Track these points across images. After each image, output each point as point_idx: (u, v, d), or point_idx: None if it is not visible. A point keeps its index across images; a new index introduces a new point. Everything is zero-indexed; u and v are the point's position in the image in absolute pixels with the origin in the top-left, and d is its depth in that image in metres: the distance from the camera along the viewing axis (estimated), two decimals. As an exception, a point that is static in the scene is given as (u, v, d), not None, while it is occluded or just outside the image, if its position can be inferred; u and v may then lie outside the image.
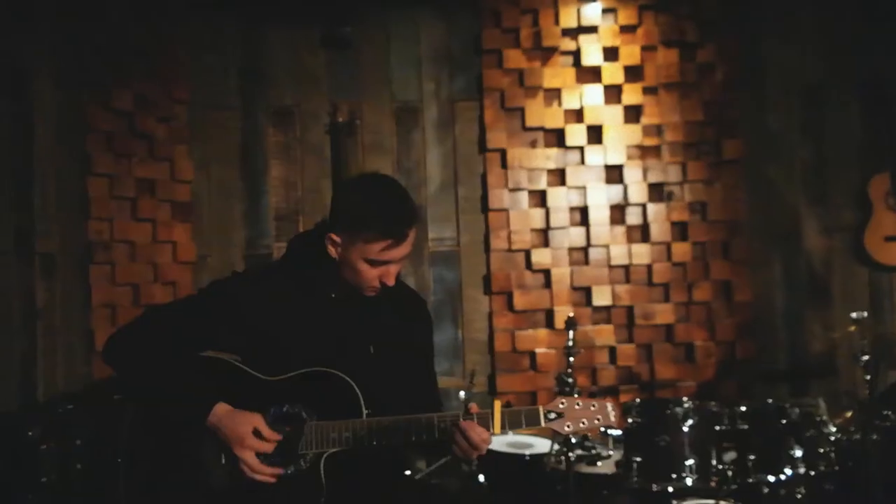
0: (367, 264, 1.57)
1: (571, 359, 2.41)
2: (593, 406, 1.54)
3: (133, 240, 3.51)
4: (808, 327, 3.87)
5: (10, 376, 2.94)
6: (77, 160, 3.34)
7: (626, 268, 3.82)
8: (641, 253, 3.81)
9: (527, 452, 2.75)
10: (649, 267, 3.81)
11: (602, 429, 1.56)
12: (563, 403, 1.54)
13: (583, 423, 1.53)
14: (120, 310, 3.41)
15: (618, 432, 2.43)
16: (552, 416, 1.53)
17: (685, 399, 2.33)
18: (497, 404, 1.52)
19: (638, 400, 2.44)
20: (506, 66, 3.84)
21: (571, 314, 2.58)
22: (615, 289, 3.80)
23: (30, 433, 2.09)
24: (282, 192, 3.87)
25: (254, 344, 1.66)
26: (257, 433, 1.55)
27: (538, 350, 3.77)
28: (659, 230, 3.82)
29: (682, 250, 3.81)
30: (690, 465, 2.22)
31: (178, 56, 3.74)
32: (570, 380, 2.30)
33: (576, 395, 1.57)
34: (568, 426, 1.53)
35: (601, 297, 3.79)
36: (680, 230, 3.84)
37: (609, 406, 1.55)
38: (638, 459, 2.27)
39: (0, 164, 2.93)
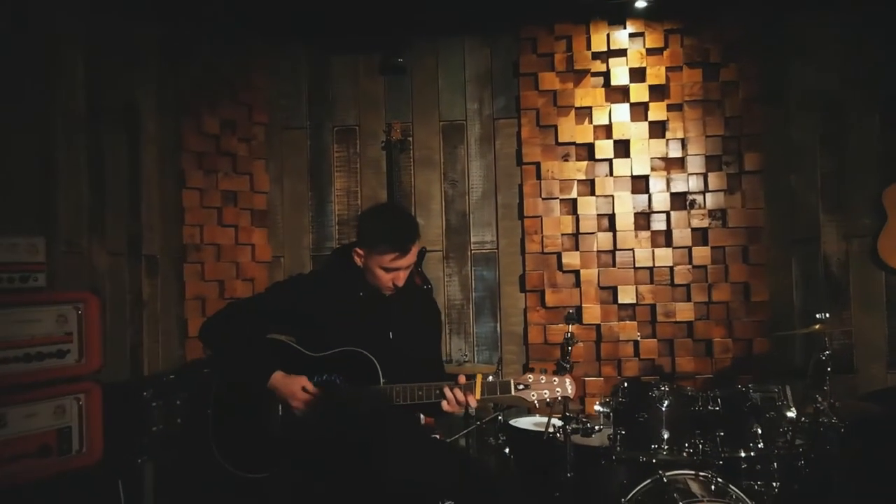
0: (382, 271, 2.10)
1: (570, 347, 2.84)
2: (554, 380, 2.01)
3: (219, 243, 4.11)
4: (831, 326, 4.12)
5: (123, 354, 3.56)
6: (174, 177, 3.96)
7: (650, 269, 4.17)
8: (664, 256, 4.16)
9: (544, 430, 3.19)
10: (671, 269, 4.15)
11: (561, 397, 2.00)
12: (530, 378, 2.01)
13: (546, 392, 1.99)
14: (208, 302, 4.03)
15: (602, 408, 2.90)
16: (521, 386, 2.00)
17: (664, 383, 2.74)
18: (479, 376, 2.00)
19: (625, 383, 2.85)
20: (541, 88, 4.26)
21: (571, 311, 2.98)
22: (639, 288, 4.17)
23: (144, 394, 2.72)
24: (344, 201, 4.43)
25: (304, 329, 2.22)
26: (305, 389, 2.09)
27: (577, 341, 4.16)
28: (681, 235, 4.16)
29: (702, 254, 4.14)
30: (665, 438, 2.64)
31: (258, 84, 4.33)
32: (567, 365, 2.73)
33: (540, 372, 2.01)
34: (533, 395, 2.00)
35: (626, 296, 4.17)
36: (701, 235, 4.16)
37: (567, 381, 2.01)
38: (622, 432, 2.71)
39: (115, 182, 3.55)
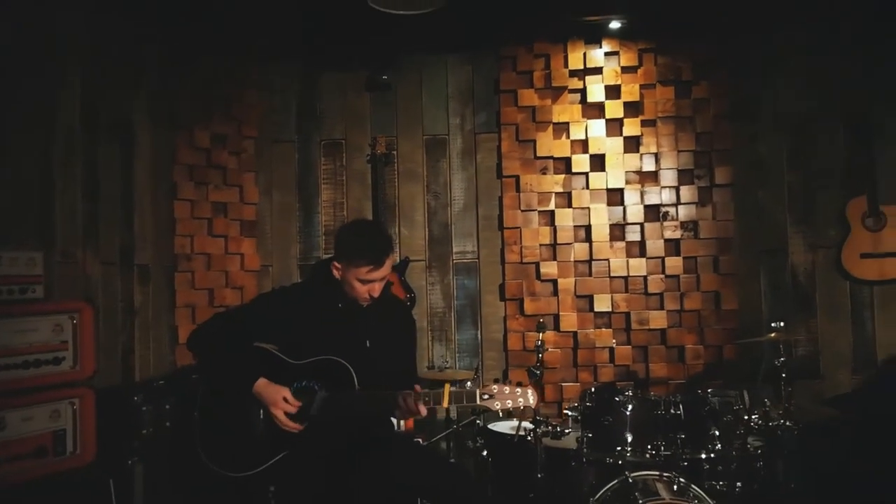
0: (359, 283, 2.25)
1: (540, 355, 2.99)
2: (518, 391, 2.16)
3: (209, 252, 4.23)
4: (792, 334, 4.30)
5: (115, 360, 3.66)
6: (166, 189, 4.10)
7: (625, 279, 4.33)
8: (638, 266, 4.32)
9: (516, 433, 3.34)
10: (645, 278, 4.32)
11: (523, 407, 2.16)
12: (495, 388, 2.17)
13: (508, 402, 2.15)
14: (198, 310, 4.15)
15: (571, 412, 3.07)
16: (486, 396, 2.15)
17: (629, 389, 2.90)
18: (447, 386, 2.16)
19: (592, 389, 3.01)
20: (520, 104, 4.43)
21: (542, 320, 3.14)
22: (614, 297, 4.33)
23: (135, 399, 2.87)
24: (330, 212, 4.57)
25: (286, 338, 2.37)
26: (285, 399, 2.25)
27: (548, 349, 4.34)
28: (654, 246, 4.32)
29: (674, 264, 4.31)
30: (629, 441, 2.80)
31: (249, 99, 4.46)
32: (538, 372, 2.89)
33: (505, 383, 2.17)
34: (497, 404, 2.15)
35: (602, 304, 4.33)
36: (674, 246, 4.33)
37: (529, 391, 2.17)
38: (589, 435, 2.87)
39: (109, 194, 3.68)
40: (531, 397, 2.14)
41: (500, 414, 2.14)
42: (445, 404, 2.15)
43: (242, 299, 4.31)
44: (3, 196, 2.90)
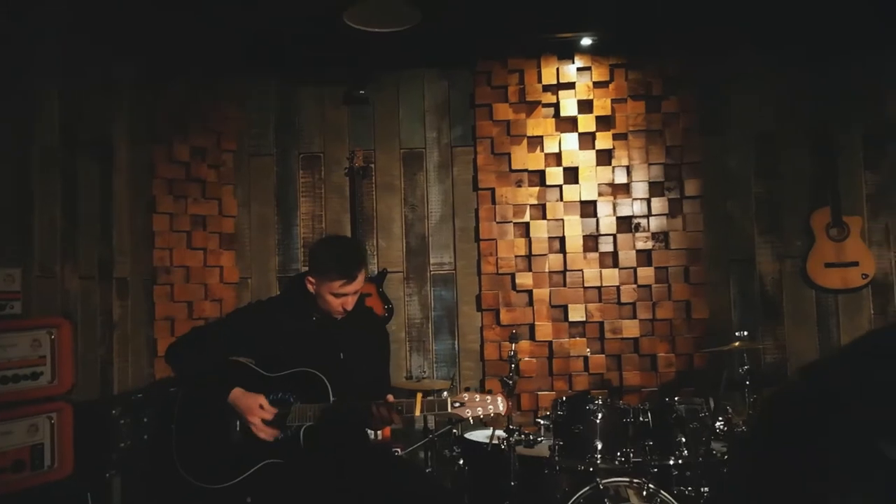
0: (332, 296, 2.32)
1: (513, 364, 3.07)
2: (488, 399, 2.23)
3: (188, 265, 4.27)
4: (761, 342, 4.42)
5: (94, 374, 3.70)
6: (145, 202, 4.14)
7: (598, 289, 4.43)
8: (611, 276, 4.42)
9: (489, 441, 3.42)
10: (618, 288, 4.41)
11: (493, 414, 2.23)
12: (465, 396, 2.24)
13: (479, 409, 2.22)
14: (177, 322, 4.19)
15: (543, 421, 3.14)
16: (457, 404, 2.22)
17: (599, 397, 2.99)
18: (419, 395, 2.22)
19: (563, 398, 3.09)
20: (495, 118, 4.52)
21: (515, 331, 3.21)
22: (588, 307, 4.42)
23: (113, 412, 2.90)
24: (309, 225, 4.63)
25: (262, 351, 2.43)
26: (261, 406, 2.30)
27: (522, 358, 4.40)
28: (626, 257, 4.42)
29: (646, 274, 4.41)
30: (598, 448, 2.88)
31: (228, 113, 4.52)
32: (511, 382, 2.97)
33: (475, 392, 2.24)
34: (468, 412, 2.22)
35: (576, 314, 4.42)
36: (645, 257, 4.43)
37: (499, 399, 2.24)
38: (560, 443, 2.94)
39: (88, 209, 3.71)
40: (501, 405, 2.22)
41: (471, 421, 2.21)
42: (418, 413, 2.21)
43: (222, 311, 4.35)
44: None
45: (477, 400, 2.22)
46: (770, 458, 0.78)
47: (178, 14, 3.73)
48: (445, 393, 2.34)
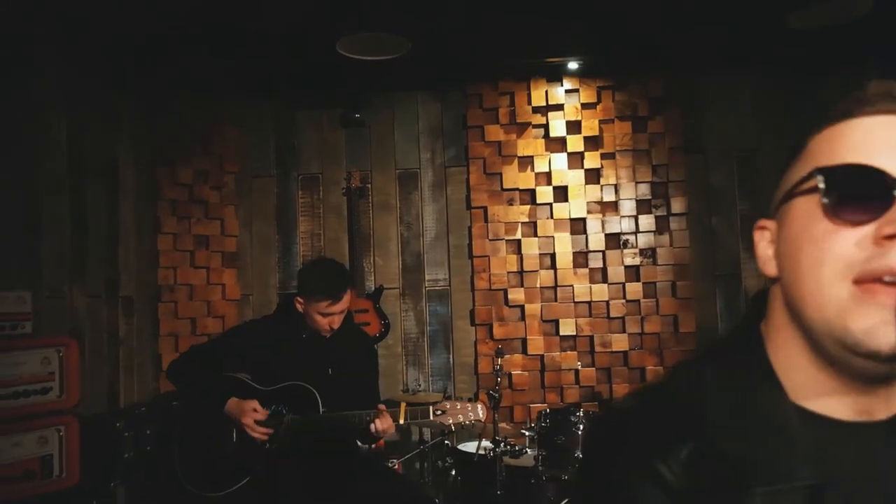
0: (320, 316, 2.48)
1: (499, 378, 3.20)
2: (468, 406, 2.38)
3: (192, 283, 4.45)
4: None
5: (101, 388, 3.86)
6: (150, 223, 4.33)
7: (588, 304, 4.56)
8: (600, 291, 4.55)
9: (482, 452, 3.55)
10: (607, 303, 4.54)
11: (473, 421, 2.37)
12: (447, 404, 2.38)
13: (460, 416, 2.36)
14: (181, 338, 4.36)
15: (528, 432, 3.28)
16: (439, 412, 2.37)
17: (581, 410, 3.12)
18: (403, 404, 2.37)
19: (547, 409, 3.23)
20: (487, 139, 4.67)
21: (500, 346, 3.35)
22: (578, 321, 4.55)
23: (117, 425, 3.06)
24: (308, 243, 4.80)
25: (256, 367, 2.58)
26: (255, 410, 2.45)
27: (514, 372, 4.55)
28: (615, 272, 4.56)
29: (635, 289, 4.54)
30: (579, 458, 3.01)
31: (229, 136, 4.71)
32: (497, 395, 3.10)
33: (457, 400, 2.38)
34: (449, 419, 2.37)
35: (567, 328, 4.55)
36: (634, 272, 4.56)
37: (479, 406, 2.38)
38: (543, 453, 3.07)
39: (95, 231, 3.89)
40: (481, 411, 2.36)
41: (453, 428, 2.35)
42: (402, 420, 2.36)
43: (224, 328, 4.50)
44: (-6, 237, 3.10)
45: (458, 407, 2.36)
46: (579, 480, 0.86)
47: (176, 42, 3.91)
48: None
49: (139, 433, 3.08)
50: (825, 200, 0.70)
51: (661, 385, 0.82)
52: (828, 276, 0.68)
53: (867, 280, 0.66)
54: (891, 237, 0.65)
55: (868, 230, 0.67)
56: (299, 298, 2.51)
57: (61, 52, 3.60)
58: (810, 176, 0.73)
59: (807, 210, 0.73)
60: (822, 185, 0.71)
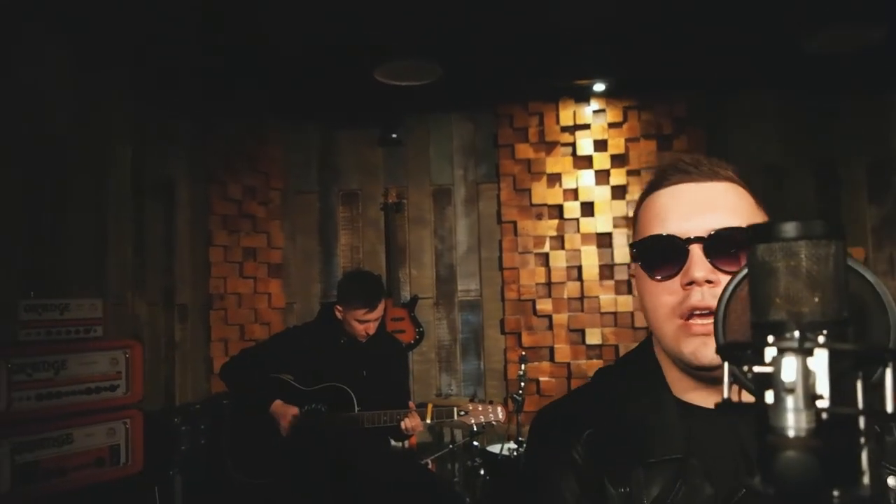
0: (357, 322, 2.75)
1: (522, 384, 3.43)
2: (489, 408, 2.62)
3: (240, 292, 4.79)
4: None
5: (158, 389, 4.21)
6: (203, 236, 4.68)
7: (614, 314, 4.75)
8: (625, 302, 4.74)
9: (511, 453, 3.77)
10: (632, 314, 4.73)
11: (494, 421, 2.60)
12: (470, 406, 2.63)
13: (481, 417, 2.60)
14: (231, 343, 4.69)
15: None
16: (462, 413, 2.61)
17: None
18: (430, 405, 2.62)
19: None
20: (517, 157, 4.92)
21: (524, 354, 3.58)
22: (604, 331, 4.74)
23: (175, 420, 3.38)
24: (348, 255, 5.10)
25: (298, 369, 2.86)
26: (294, 415, 2.73)
27: (542, 378, 4.76)
28: (640, 284, 4.73)
29: (659, 301, 4.71)
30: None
31: (274, 155, 5.05)
32: (521, 398, 3.33)
33: (479, 402, 2.63)
34: (472, 419, 2.61)
35: (593, 338, 4.75)
36: (658, 284, 4.73)
37: (499, 408, 2.62)
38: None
39: (153, 244, 4.25)
40: (500, 413, 2.60)
41: (475, 428, 2.59)
42: (429, 419, 2.61)
43: (270, 333, 4.81)
44: (68, 252, 3.47)
45: (479, 409, 2.61)
46: None
47: (231, 72, 4.26)
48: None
49: (194, 428, 3.39)
50: (641, 266, 0.96)
51: (583, 386, 1.07)
52: (662, 317, 0.93)
53: (684, 317, 0.90)
54: (690, 284, 0.89)
55: (676, 281, 0.91)
56: (339, 306, 2.79)
57: (132, 82, 3.97)
58: (631, 247, 0.99)
59: (639, 268, 0.98)
60: (636, 256, 0.97)
